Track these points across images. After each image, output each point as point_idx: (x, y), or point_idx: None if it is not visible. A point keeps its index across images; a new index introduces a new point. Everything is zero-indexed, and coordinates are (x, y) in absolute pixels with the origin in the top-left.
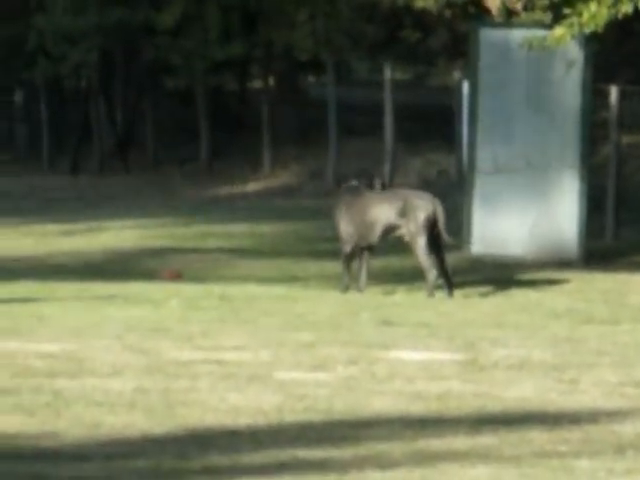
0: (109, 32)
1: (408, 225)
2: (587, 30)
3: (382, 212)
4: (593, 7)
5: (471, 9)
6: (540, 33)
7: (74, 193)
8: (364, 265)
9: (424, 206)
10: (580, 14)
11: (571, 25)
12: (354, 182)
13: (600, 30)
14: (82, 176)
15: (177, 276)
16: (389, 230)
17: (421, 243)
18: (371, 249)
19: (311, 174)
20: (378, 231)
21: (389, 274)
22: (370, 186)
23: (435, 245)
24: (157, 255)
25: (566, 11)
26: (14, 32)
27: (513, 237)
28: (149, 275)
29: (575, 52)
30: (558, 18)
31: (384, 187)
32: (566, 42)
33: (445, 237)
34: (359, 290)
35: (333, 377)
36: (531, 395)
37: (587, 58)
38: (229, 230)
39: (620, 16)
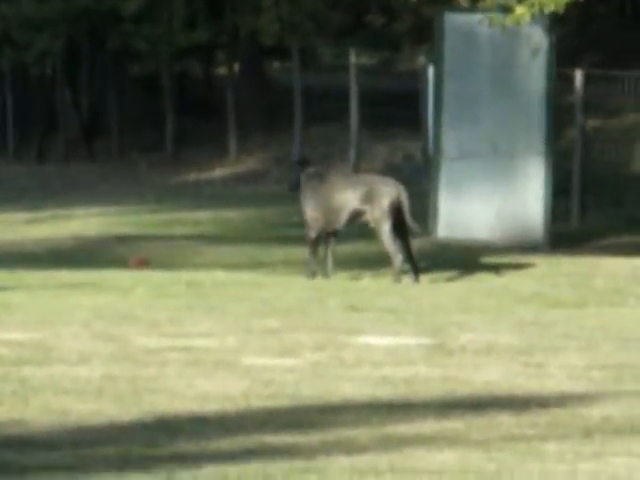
0: (74, 19)
1: (372, 211)
2: (547, 10)
3: (347, 198)
4: None
5: None
6: (503, 19)
7: (40, 181)
8: (330, 251)
9: (388, 192)
10: None
11: (532, 5)
12: (312, 169)
13: (560, 11)
14: (48, 164)
15: (144, 263)
16: (355, 216)
17: (385, 229)
18: (336, 234)
19: (276, 160)
20: (344, 217)
21: (356, 260)
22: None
23: (400, 231)
24: (124, 243)
25: None
26: None
27: (479, 222)
28: (116, 263)
29: (539, 37)
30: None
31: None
32: (526, 21)
33: (410, 224)
34: (326, 276)
35: (300, 363)
36: (498, 379)
37: (551, 43)
38: (195, 217)
39: None
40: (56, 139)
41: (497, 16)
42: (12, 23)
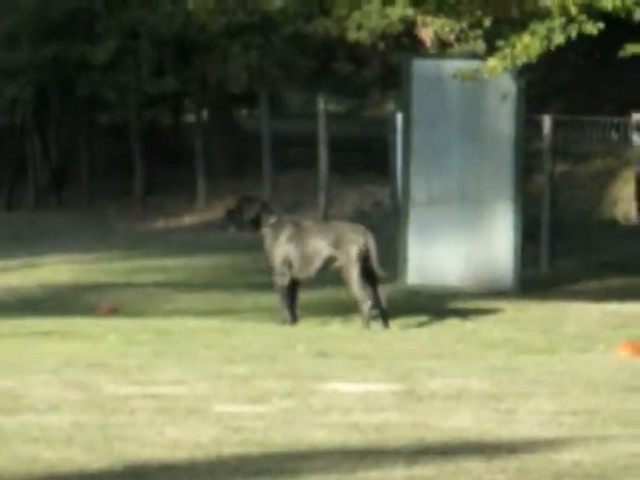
0: (44, 67)
1: (341, 257)
2: (519, 62)
3: (319, 245)
4: (526, 39)
5: (404, 41)
6: (473, 64)
7: (9, 229)
8: (296, 296)
9: (356, 239)
10: (513, 46)
11: (504, 57)
12: (274, 218)
13: (533, 61)
14: (17, 212)
15: (113, 311)
16: (327, 263)
17: (354, 275)
18: (302, 282)
19: None
20: (317, 264)
21: (324, 306)
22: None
23: (369, 277)
24: (93, 290)
25: (499, 43)
26: None
27: (449, 268)
28: (86, 310)
29: (508, 83)
30: (491, 49)
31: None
32: (499, 73)
33: (378, 271)
34: (295, 321)
35: (270, 409)
36: (469, 425)
37: (520, 89)
38: (164, 264)
39: (553, 47)
40: (25, 187)
41: (469, 70)
42: None
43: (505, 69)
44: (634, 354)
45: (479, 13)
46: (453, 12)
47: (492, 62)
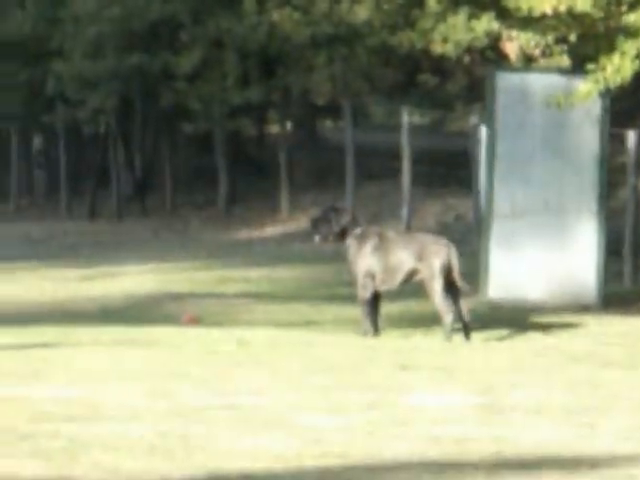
0: (127, 77)
1: (424, 270)
2: (613, 84)
3: (402, 257)
4: (616, 60)
5: (489, 54)
6: (559, 79)
7: (92, 238)
8: (379, 308)
9: (439, 251)
10: (604, 68)
11: (597, 81)
12: (358, 229)
13: (626, 83)
14: (100, 221)
15: (195, 321)
16: (410, 275)
17: (437, 288)
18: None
19: None
20: (400, 276)
21: (407, 318)
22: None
23: (451, 289)
24: (176, 300)
25: (590, 67)
26: (33, 77)
27: (531, 281)
28: (168, 319)
29: (593, 98)
30: (576, 64)
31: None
32: (592, 97)
33: (460, 284)
34: (378, 333)
35: (351, 421)
36: (549, 439)
37: (605, 103)
38: (247, 275)
39: None
40: (108, 196)
41: (563, 96)
42: (66, 81)
43: (599, 92)
44: None
45: (564, 28)
46: (539, 27)
47: (585, 87)
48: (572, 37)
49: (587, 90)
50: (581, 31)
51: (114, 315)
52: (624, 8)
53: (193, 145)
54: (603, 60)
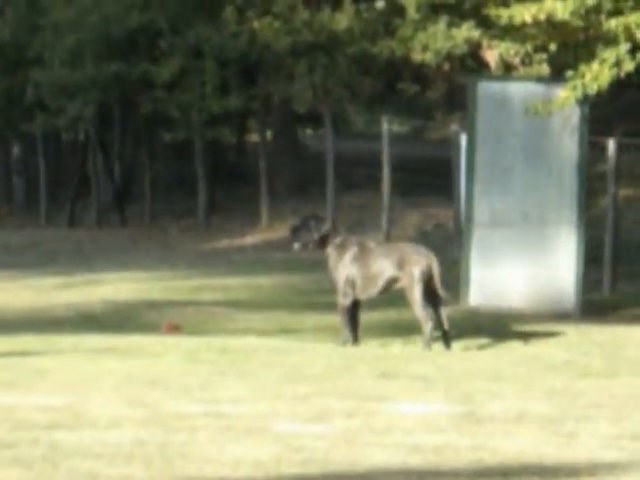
0: (106, 85)
1: (404, 278)
2: (591, 91)
3: (383, 265)
4: (595, 67)
5: (469, 62)
6: (538, 87)
7: (72, 246)
8: (358, 317)
9: (419, 260)
10: (582, 75)
11: (575, 87)
12: (338, 238)
13: (603, 90)
14: (79, 229)
15: (175, 329)
16: (390, 283)
17: (417, 296)
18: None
19: None
20: (380, 284)
21: (386, 326)
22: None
23: (431, 298)
24: (155, 308)
25: (568, 74)
26: (12, 85)
27: (511, 289)
28: (147, 328)
29: (572, 106)
30: (556, 72)
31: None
32: (570, 104)
33: (441, 292)
34: (356, 342)
35: (331, 429)
36: (528, 448)
37: (584, 112)
38: (226, 283)
39: (622, 74)
40: (88, 204)
41: (540, 103)
42: (45, 88)
43: (577, 99)
44: None
45: (544, 37)
46: (519, 35)
47: (563, 93)
48: (552, 46)
49: (565, 97)
50: (561, 40)
51: (93, 323)
52: (603, 16)
53: (172, 154)
54: (582, 68)
